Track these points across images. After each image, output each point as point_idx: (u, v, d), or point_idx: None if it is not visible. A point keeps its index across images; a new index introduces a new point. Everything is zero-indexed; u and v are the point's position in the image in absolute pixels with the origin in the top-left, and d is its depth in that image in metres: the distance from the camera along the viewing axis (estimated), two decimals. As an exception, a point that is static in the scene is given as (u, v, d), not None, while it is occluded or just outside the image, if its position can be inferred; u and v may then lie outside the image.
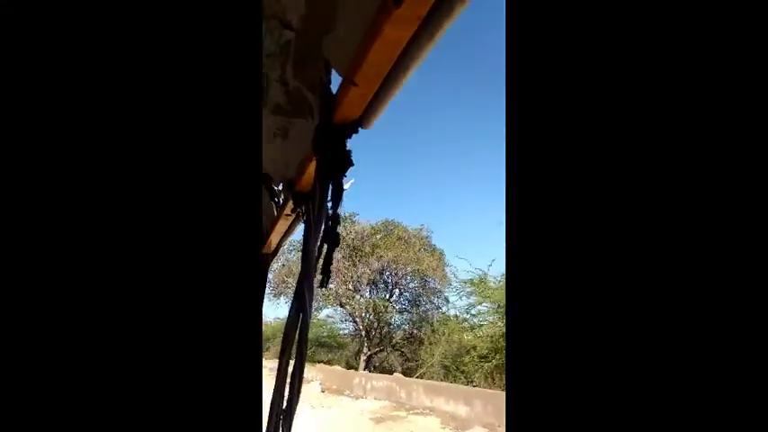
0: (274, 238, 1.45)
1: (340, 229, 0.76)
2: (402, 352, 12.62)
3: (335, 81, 0.81)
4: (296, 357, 0.64)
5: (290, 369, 0.66)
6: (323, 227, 0.73)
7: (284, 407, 0.65)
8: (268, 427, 0.67)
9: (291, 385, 0.65)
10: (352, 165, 0.76)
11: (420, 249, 12.74)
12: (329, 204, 0.75)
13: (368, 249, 12.54)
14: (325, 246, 0.73)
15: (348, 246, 12.49)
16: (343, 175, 0.76)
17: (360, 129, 0.75)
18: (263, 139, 1.17)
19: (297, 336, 0.66)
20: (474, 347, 8.43)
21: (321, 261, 0.74)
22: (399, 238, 12.71)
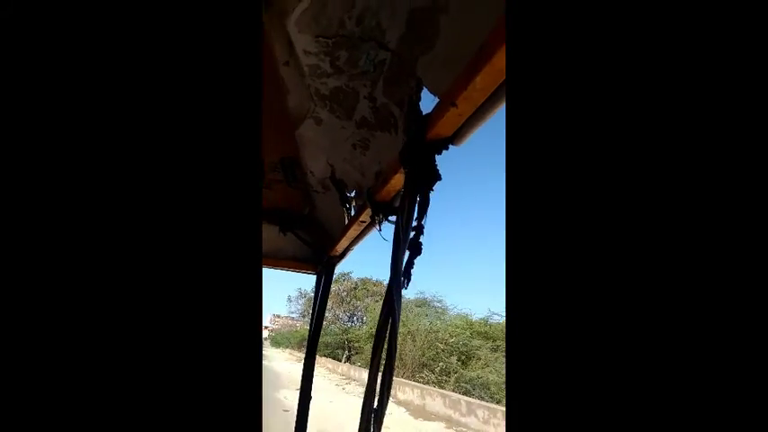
0: (343, 243, 1.52)
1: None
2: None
3: (425, 99, 0.85)
4: (386, 358, 0.68)
5: (381, 369, 0.70)
6: (408, 238, 0.77)
7: (375, 406, 0.69)
8: (360, 426, 0.71)
9: (382, 385, 0.68)
10: (440, 179, 0.79)
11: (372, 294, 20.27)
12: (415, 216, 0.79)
13: (348, 298, 20.41)
14: (408, 253, 0.77)
15: (338, 296, 20.02)
16: (430, 189, 0.79)
17: (451, 146, 0.77)
18: (345, 149, 1.25)
19: (387, 338, 0.70)
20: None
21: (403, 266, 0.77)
22: (370, 291, 20.38)
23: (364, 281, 21.15)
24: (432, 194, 0.82)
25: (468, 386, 9.62)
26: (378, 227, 1.13)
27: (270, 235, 1.84)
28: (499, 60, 0.55)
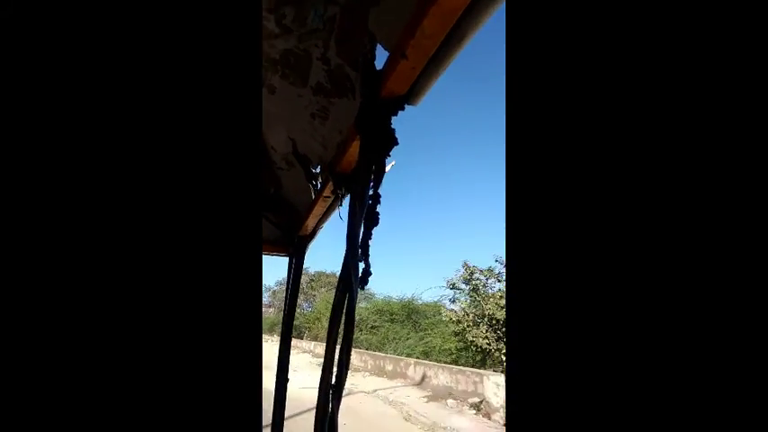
0: (311, 222, 1.46)
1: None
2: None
3: (380, 56, 0.78)
4: (343, 335, 0.64)
5: (338, 347, 0.66)
6: (365, 208, 0.72)
7: (333, 383, 0.65)
8: (318, 402, 0.68)
9: (340, 362, 0.65)
10: (397, 143, 0.74)
11: (326, 285, 24.51)
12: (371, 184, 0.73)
13: (306, 289, 24.43)
14: (364, 224, 0.72)
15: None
16: (387, 154, 0.73)
17: (406, 105, 0.72)
18: (303, 121, 1.17)
19: (344, 315, 0.66)
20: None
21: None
22: (327, 283, 24.50)
23: (319, 274, 25.88)
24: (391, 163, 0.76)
25: (356, 344, 14.21)
26: (340, 201, 1.08)
27: None
28: (446, 1, 0.49)
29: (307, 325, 21.31)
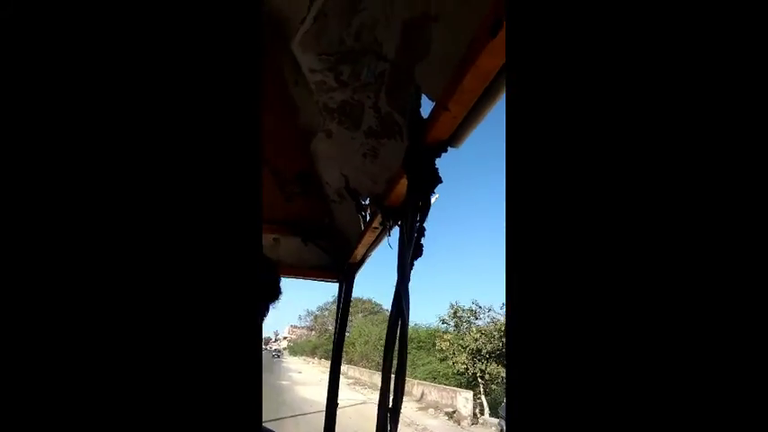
0: (360, 250, 1.56)
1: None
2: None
3: (425, 104, 0.88)
4: (398, 358, 0.70)
5: (394, 369, 0.71)
6: (413, 241, 0.79)
7: (390, 405, 0.70)
8: (377, 425, 0.73)
9: (396, 384, 0.70)
10: (441, 182, 0.81)
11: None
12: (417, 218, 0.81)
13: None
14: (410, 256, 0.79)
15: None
16: (432, 191, 0.81)
17: (449, 148, 0.79)
18: (356, 159, 1.29)
19: (398, 339, 0.72)
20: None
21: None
22: (363, 309, 27.12)
23: (357, 300, 28.36)
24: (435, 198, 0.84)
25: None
26: (388, 234, 1.16)
27: (292, 246, 1.91)
28: (483, 62, 0.57)
29: (344, 349, 23.67)
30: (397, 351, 0.71)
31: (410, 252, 0.78)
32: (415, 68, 0.83)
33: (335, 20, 0.86)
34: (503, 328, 12.90)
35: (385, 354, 0.74)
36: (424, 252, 0.82)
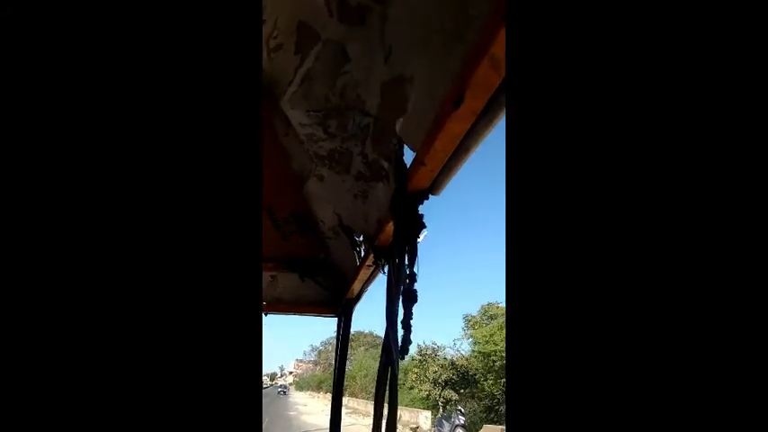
0: (357, 286, 1.59)
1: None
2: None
3: (408, 153, 0.94)
4: (389, 405, 0.72)
5: (385, 414, 0.74)
6: (402, 285, 0.83)
7: None
8: None
9: (387, 430, 0.72)
10: (425, 227, 0.86)
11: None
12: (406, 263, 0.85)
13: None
14: (403, 303, 0.82)
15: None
16: (417, 236, 0.86)
17: (430, 195, 0.85)
18: (347, 199, 1.35)
19: (387, 387, 0.74)
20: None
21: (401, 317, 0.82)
22: (365, 342, 29.04)
23: (358, 334, 28.92)
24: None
25: (368, 394, 20.35)
26: (382, 270, 1.20)
27: (291, 283, 1.94)
28: (451, 127, 0.63)
29: (345, 382, 25.80)
30: (388, 397, 0.73)
31: (398, 295, 0.82)
32: (396, 123, 0.90)
33: (320, 81, 0.93)
34: (453, 362, 17.42)
35: (375, 399, 0.77)
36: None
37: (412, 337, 0.78)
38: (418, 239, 0.86)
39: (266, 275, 1.94)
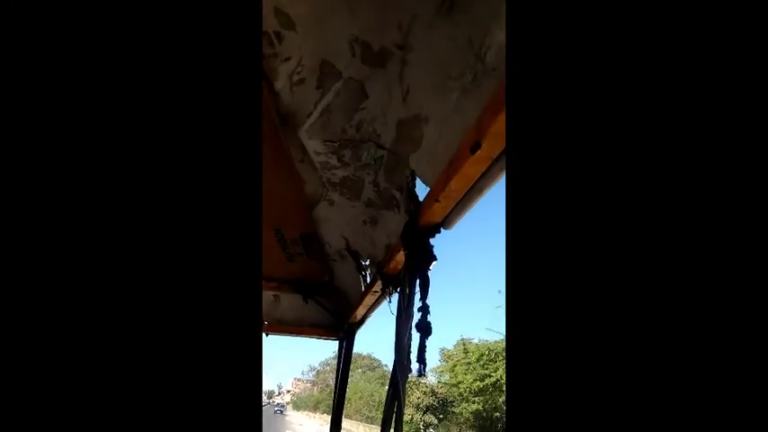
0: (360, 311, 1.59)
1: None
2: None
3: (420, 187, 0.97)
4: None
5: None
6: (411, 316, 0.84)
7: None
8: None
9: None
10: (436, 259, 0.88)
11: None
12: (417, 296, 0.86)
13: None
14: (419, 335, 0.83)
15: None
16: (428, 268, 0.87)
17: (442, 229, 0.87)
18: (356, 224, 1.37)
19: (393, 422, 0.74)
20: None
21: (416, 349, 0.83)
22: (363, 365, 31.32)
23: (356, 356, 29.57)
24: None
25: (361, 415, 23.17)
26: (388, 298, 1.21)
27: (294, 304, 1.94)
28: (467, 170, 0.66)
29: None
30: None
31: (408, 326, 0.83)
32: (410, 157, 0.94)
33: (339, 115, 0.97)
34: (433, 389, 18.69)
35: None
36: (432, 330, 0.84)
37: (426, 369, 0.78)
38: (429, 271, 0.88)
39: (269, 295, 1.95)
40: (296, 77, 0.91)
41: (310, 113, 1.00)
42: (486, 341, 16.73)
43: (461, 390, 16.10)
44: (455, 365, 16.68)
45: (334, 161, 1.13)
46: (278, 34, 0.81)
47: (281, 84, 0.93)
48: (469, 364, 15.99)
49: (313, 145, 1.10)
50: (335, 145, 1.06)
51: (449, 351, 18.62)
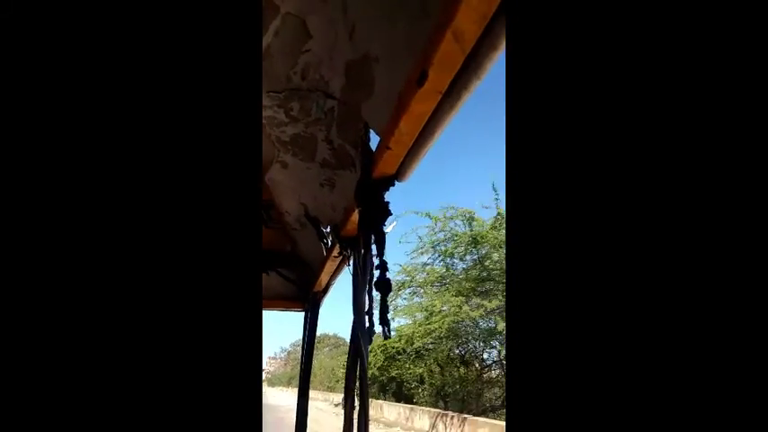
0: (324, 278, 1.55)
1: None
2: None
3: (374, 139, 0.91)
4: (359, 400, 0.69)
5: (356, 412, 0.71)
6: (369, 275, 0.80)
7: None
8: None
9: (359, 427, 0.69)
10: (391, 214, 0.83)
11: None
12: (374, 253, 0.82)
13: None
14: (379, 294, 0.79)
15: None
16: (383, 223, 0.83)
17: (396, 182, 0.82)
18: (313, 189, 1.30)
19: (357, 380, 0.71)
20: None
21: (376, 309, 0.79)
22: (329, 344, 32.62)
23: (323, 336, 32.23)
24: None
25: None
26: (348, 261, 1.17)
27: None
28: (416, 108, 0.60)
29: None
30: (359, 393, 0.70)
31: (365, 285, 0.79)
32: (362, 106, 0.86)
33: (281, 60, 0.88)
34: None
35: (345, 394, 0.74)
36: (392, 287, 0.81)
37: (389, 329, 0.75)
38: (384, 227, 0.83)
39: None
40: None
41: None
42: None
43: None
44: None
45: (281, 116, 1.04)
46: None
47: None
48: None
49: None
50: (281, 96, 0.97)
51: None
